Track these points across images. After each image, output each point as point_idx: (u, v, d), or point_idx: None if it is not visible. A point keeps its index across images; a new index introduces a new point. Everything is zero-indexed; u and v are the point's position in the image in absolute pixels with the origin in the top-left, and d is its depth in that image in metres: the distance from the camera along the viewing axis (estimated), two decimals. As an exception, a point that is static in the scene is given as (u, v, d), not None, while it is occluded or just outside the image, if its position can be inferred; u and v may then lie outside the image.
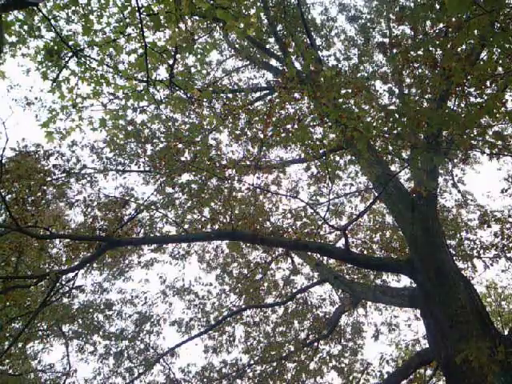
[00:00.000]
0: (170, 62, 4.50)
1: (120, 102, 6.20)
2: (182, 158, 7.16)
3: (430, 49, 5.33)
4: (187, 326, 9.83)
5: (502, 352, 4.19)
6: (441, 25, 5.59)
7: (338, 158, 7.54)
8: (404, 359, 9.82)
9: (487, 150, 6.39)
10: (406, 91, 7.57)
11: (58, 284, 6.13)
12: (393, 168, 7.51)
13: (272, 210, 8.37)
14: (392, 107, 6.76)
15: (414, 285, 5.99)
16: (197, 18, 5.54)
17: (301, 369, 9.06)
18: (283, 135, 6.49)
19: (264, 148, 7.57)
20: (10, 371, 9.95)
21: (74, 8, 4.80)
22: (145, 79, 4.49)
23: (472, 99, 5.80)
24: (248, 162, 7.26)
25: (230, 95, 7.83)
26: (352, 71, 9.22)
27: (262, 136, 6.86)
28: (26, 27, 4.98)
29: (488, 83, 5.19)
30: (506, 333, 5.50)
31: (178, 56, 5.08)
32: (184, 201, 7.75)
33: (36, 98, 8.56)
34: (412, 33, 7.13)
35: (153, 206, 7.47)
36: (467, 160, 9.45)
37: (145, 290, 10.77)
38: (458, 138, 5.63)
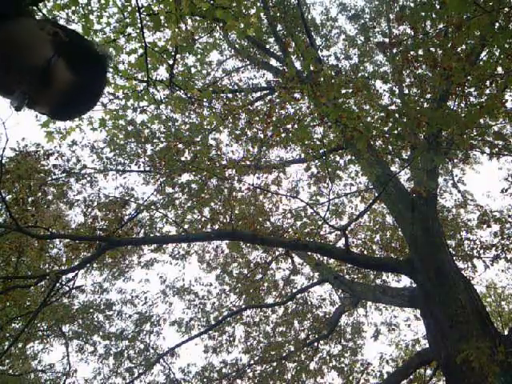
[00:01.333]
0: (170, 62, 4.50)
1: (120, 102, 6.19)
2: (182, 158, 7.15)
3: (430, 49, 5.33)
4: (187, 326, 9.83)
5: (502, 352, 4.19)
6: (441, 24, 5.59)
7: (338, 158, 7.54)
8: (404, 359, 9.81)
9: (487, 150, 6.39)
10: (406, 91, 7.56)
11: (58, 284, 6.12)
12: (393, 168, 7.51)
13: (272, 210, 8.37)
14: (392, 107, 6.76)
15: (414, 285, 5.99)
16: (197, 17, 5.53)
17: (301, 369, 9.06)
18: (283, 135, 6.48)
19: (264, 148, 7.57)
20: (10, 371, 9.96)
21: (73, 8, 4.80)
22: (145, 79, 4.49)
23: (472, 99, 5.80)
24: (248, 162, 7.25)
25: (230, 95, 7.82)
26: (352, 71, 9.22)
27: (262, 136, 6.86)
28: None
29: (488, 83, 5.20)
30: (506, 333, 5.49)
31: (178, 56, 5.08)
32: (184, 201, 7.75)
33: (36, 98, 8.56)
34: (412, 32, 7.13)
35: (153, 206, 7.47)
36: (467, 160, 9.44)
37: (145, 290, 10.83)
38: (457, 138, 5.62)
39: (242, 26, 4.29)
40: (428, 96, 6.64)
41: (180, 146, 7.16)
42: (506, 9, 3.72)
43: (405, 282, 11.36)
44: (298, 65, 8.63)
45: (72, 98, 0.92)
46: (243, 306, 9.57)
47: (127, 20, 4.38)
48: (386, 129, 4.82)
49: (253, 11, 4.87)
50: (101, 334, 10.00)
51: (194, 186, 7.21)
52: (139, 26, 3.98)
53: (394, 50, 6.60)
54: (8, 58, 0.82)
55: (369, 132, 4.58)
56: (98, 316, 10.20)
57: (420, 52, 5.74)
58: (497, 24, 3.71)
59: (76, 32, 0.98)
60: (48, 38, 0.88)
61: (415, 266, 5.62)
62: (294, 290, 9.69)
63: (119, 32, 4.61)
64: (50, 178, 7.49)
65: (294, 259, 9.65)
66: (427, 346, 5.59)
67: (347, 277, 8.55)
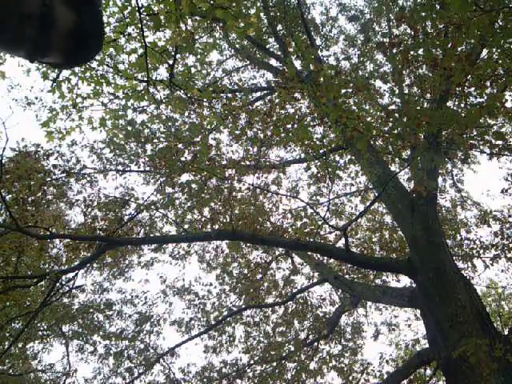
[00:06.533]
0: (170, 62, 4.50)
1: (120, 101, 6.20)
2: (182, 158, 7.16)
3: (430, 49, 5.33)
4: (187, 326, 9.83)
5: (499, 349, 4.19)
6: (441, 25, 5.58)
7: (337, 158, 7.54)
8: (404, 359, 9.81)
9: (487, 150, 6.39)
10: (406, 91, 7.56)
11: (57, 284, 6.13)
12: (393, 168, 7.50)
13: (272, 210, 8.37)
14: (392, 107, 6.77)
15: (414, 285, 5.99)
16: (197, 18, 5.53)
17: (301, 369, 9.05)
18: (283, 135, 6.49)
19: (264, 148, 7.57)
20: (10, 371, 9.96)
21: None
22: (145, 79, 4.49)
23: (472, 99, 5.80)
24: (248, 162, 7.26)
25: (230, 95, 7.82)
26: (352, 70, 9.22)
27: (262, 136, 6.87)
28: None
29: (488, 83, 5.20)
30: (505, 333, 5.50)
31: (178, 56, 5.08)
32: (184, 201, 7.75)
33: (36, 98, 8.56)
34: (412, 32, 7.12)
35: (153, 206, 7.47)
36: (467, 160, 9.44)
37: (145, 290, 10.81)
38: (457, 138, 5.62)
39: (242, 25, 4.29)
40: (428, 96, 6.64)
41: (180, 145, 7.16)
42: (506, 9, 3.72)
43: (405, 281, 11.36)
44: (297, 65, 8.64)
45: (81, 39, 0.86)
46: (243, 306, 9.57)
47: (127, 20, 4.38)
48: (386, 129, 4.82)
49: (253, 11, 4.88)
50: (101, 333, 9.99)
51: (193, 186, 7.21)
52: (139, 25, 3.98)
53: (394, 50, 6.60)
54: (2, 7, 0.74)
55: (369, 132, 4.58)
56: (98, 316, 10.20)
57: (420, 52, 5.74)
58: (497, 24, 3.71)
59: None
60: None
61: (415, 265, 5.62)
62: (294, 290, 9.69)
63: (119, 32, 4.61)
64: (49, 178, 7.49)
65: (294, 259, 9.66)
66: (427, 345, 5.59)
67: (347, 277, 8.55)
